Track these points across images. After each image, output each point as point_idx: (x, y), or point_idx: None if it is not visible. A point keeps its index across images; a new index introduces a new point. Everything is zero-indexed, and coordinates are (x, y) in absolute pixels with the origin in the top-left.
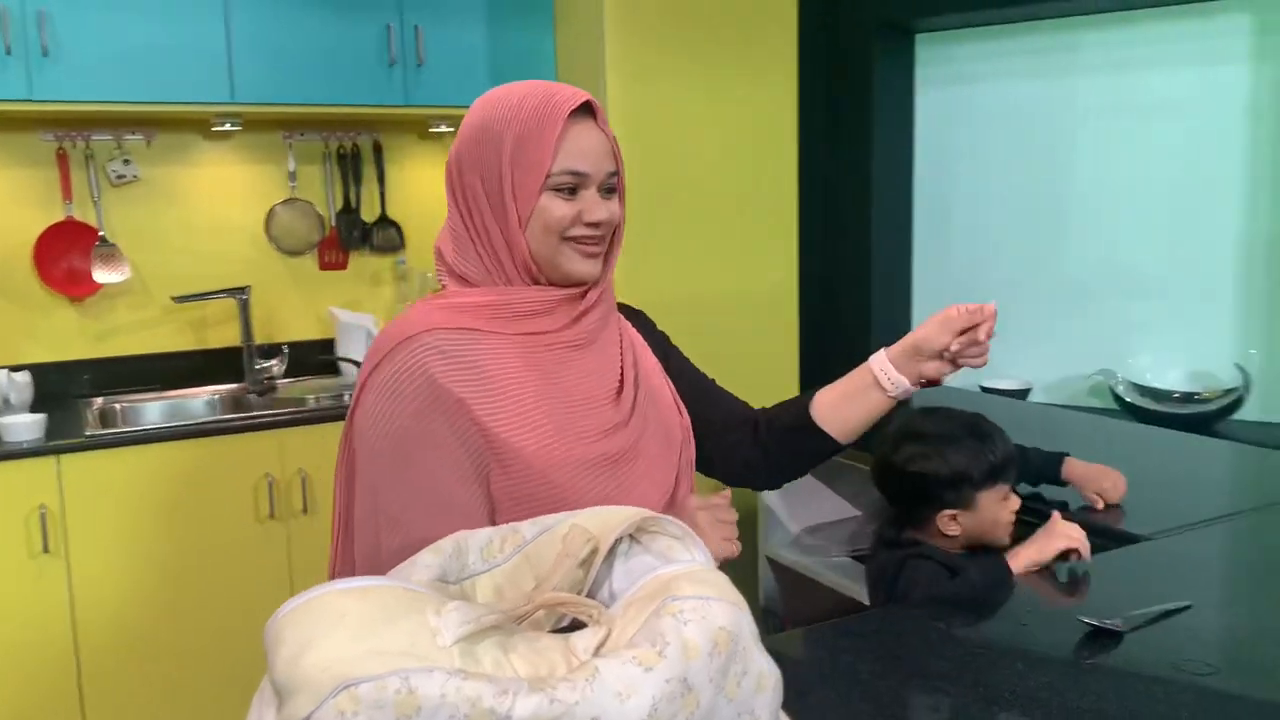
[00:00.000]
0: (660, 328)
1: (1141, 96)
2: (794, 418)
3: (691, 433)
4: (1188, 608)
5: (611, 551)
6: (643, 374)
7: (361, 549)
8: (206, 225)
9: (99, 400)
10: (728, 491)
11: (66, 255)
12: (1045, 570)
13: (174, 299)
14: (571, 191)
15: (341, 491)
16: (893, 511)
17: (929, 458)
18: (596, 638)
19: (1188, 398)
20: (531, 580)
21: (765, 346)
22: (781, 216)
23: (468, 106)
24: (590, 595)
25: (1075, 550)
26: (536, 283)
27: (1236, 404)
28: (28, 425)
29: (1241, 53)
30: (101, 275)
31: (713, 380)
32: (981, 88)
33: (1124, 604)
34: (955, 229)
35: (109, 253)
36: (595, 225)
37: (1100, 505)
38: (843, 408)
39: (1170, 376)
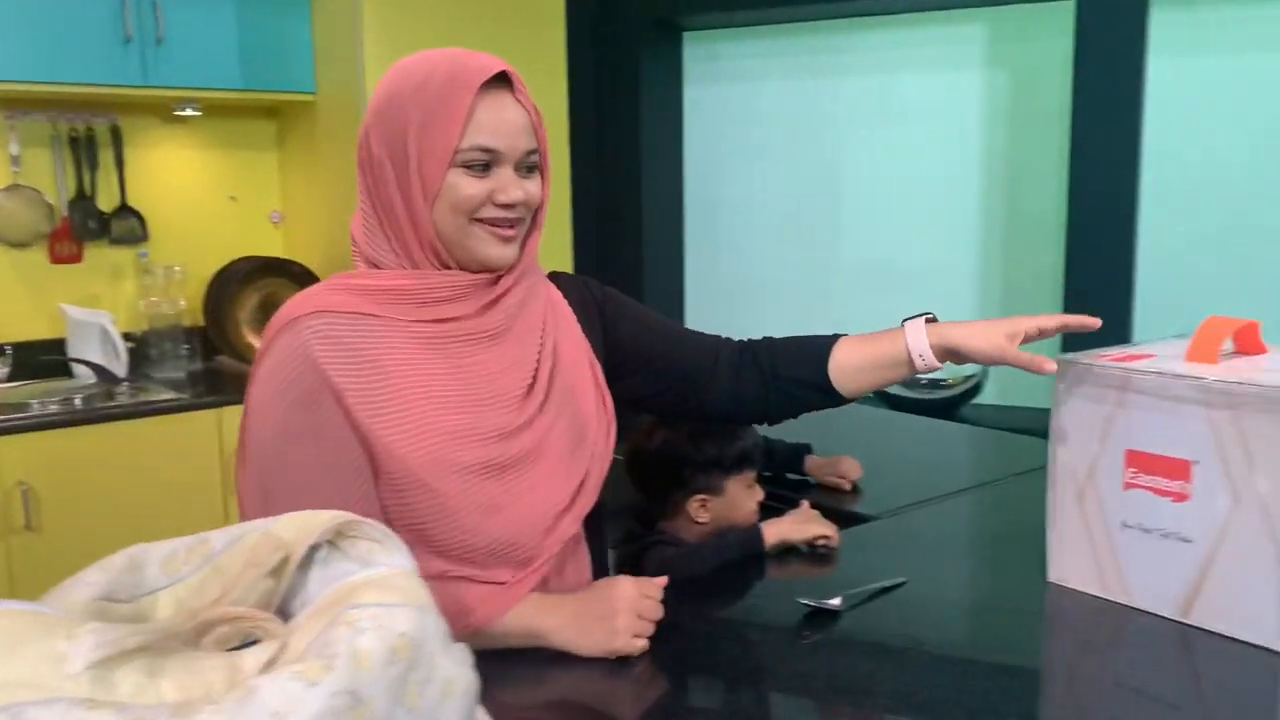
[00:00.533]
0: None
1: (894, 99)
2: (810, 372)
3: (613, 424)
4: (903, 584)
5: (311, 559)
6: (561, 367)
7: None
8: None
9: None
10: (664, 580)
11: None
12: (790, 551)
13: None
14: (483, 169)
15: (240, 487)
16: (643, 503)
17: (681, 443)
18: (267, 653)
19: (934, 384)
20: (220, 594)
21: None
22: (553, 211)
23: (215, 89)
24: (284, 606)
25: (826, 537)
26: (446, 267)
27: (976, 389)
28: None
29: (976, 59)
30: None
31: (685, 328)
32: (751, 86)
33: (852, 582)
34: (726, 226)
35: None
36: (509, 206)
37: (846, 486)
38: (866, 375)
39: None
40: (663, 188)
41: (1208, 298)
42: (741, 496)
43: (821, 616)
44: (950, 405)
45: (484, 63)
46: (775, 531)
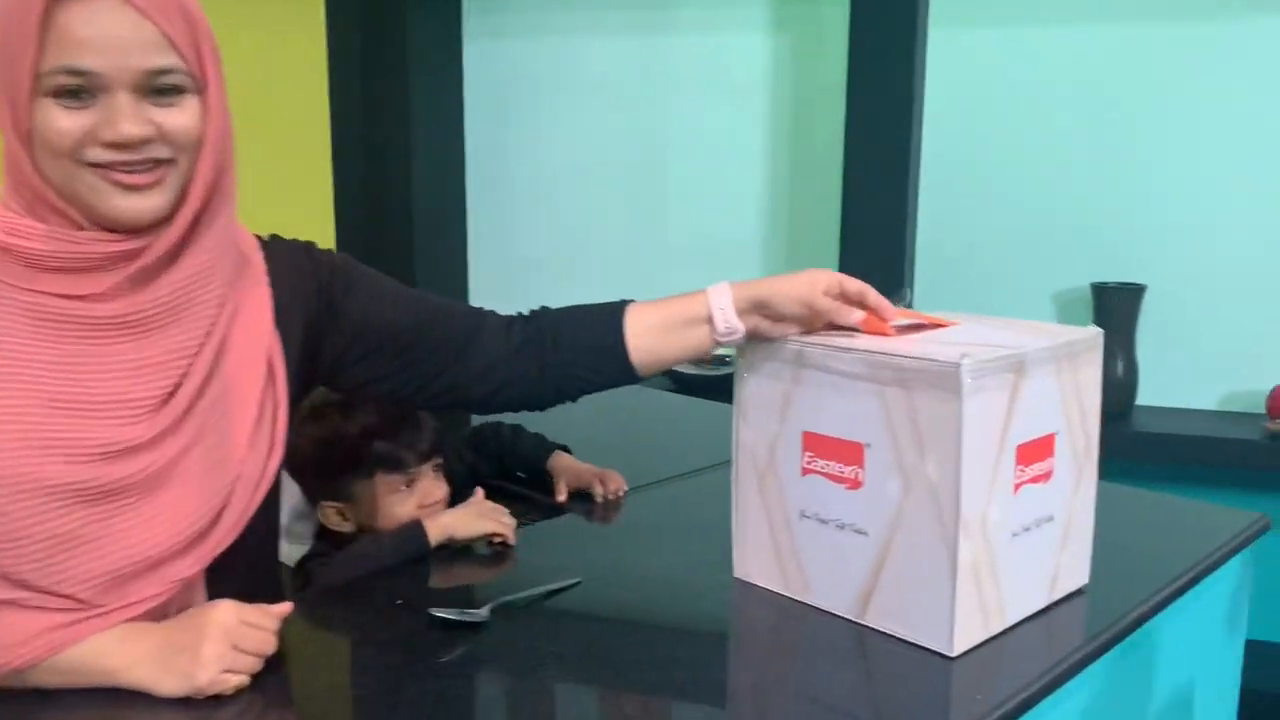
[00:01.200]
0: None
1: (678, 61)
2: (598, 334)
3: (279, 442)
4: (577, 584)
5: None
6: (222, 371)
7: None
8: None
9: None
10: (284, 607)
11: None
12: (466, 550)
13: None
14: (74, 96)
15: None
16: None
17: (305, 448)
18: None
19: (719, 360)
20: None
21: None
22: (312, 164)
23: None
24: None
25: (499, 535)
26: (81, 228)
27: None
28: None
29: (760, 22)
30: None
31: (442, 299)
32: (545, 43)
33: (523, 583)
34: (521, 196)
35: None
36: (123, 145)
37: (598, 499)
38: (658, 338)
39: None
40: (438, 155)
41: (995, 279)
42: (388, 501)
43: (466, 629)
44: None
45: None
46: (439, 527)
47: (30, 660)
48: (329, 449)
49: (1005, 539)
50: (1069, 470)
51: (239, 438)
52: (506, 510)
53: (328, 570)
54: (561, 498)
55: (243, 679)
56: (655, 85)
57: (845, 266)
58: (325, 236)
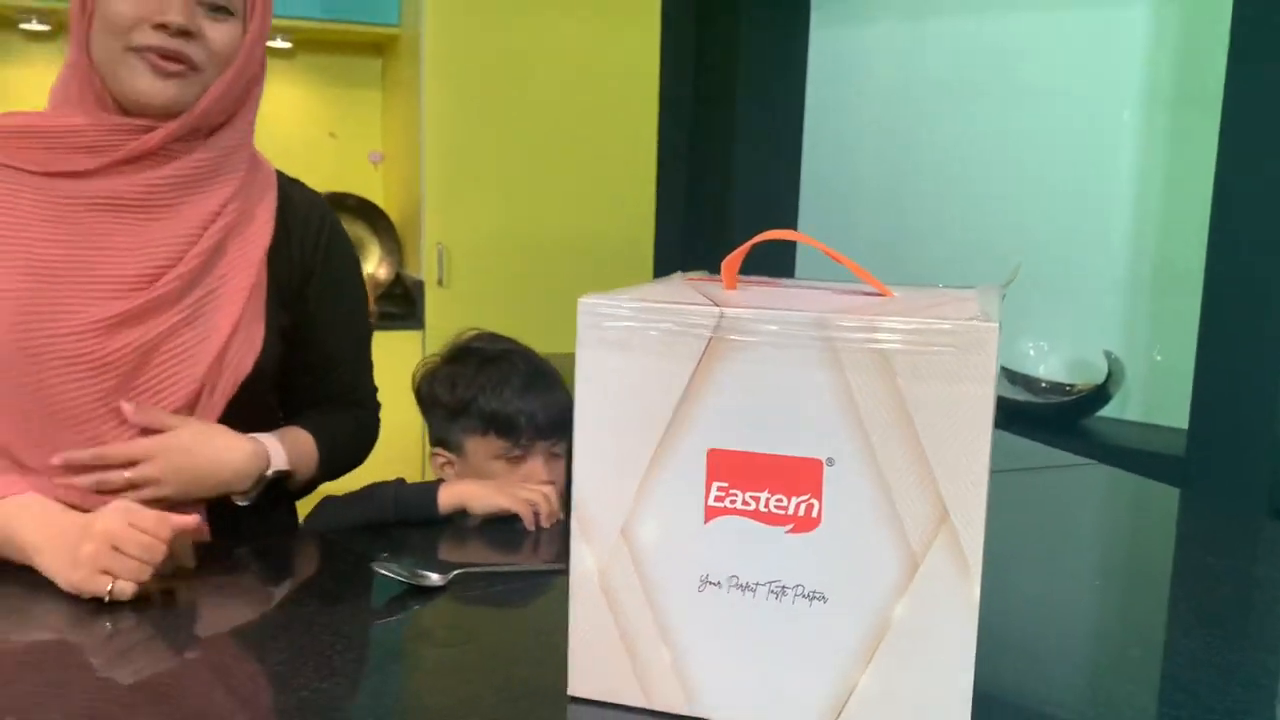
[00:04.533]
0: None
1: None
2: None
3: (244, 359)
4: (561, 571)
5: None
6: (217, 275)
7: None
8: None
9: None
10: (183, 519)
11: None
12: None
13: None
14: None
15: None
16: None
17: (428, 374)
18: None
19: (1056, 388)
20: None
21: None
22: (638, 156)
23: (300, 18)
24: None
25: (519, 515)
26: (107, 111)
27: (1102, 398)
28: None
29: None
30: None
31: (336, 364)
32: (892, 30)
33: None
34: (855, 194)
35: None
36: (167, 29)
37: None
38: None
39: (1048, 364)
40: (771, 150)
41: None
42: (491, 467)
43: (421, 595)
44: (1071, 413)
45: None
46: (453, 495)
47: None
48: (453, 391)
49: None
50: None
51: (223, 329)
52: (545, 490)
53: (333, 507)
54: None
55: (122, 585)
56: (1008, 72)
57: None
58: (645, 229)
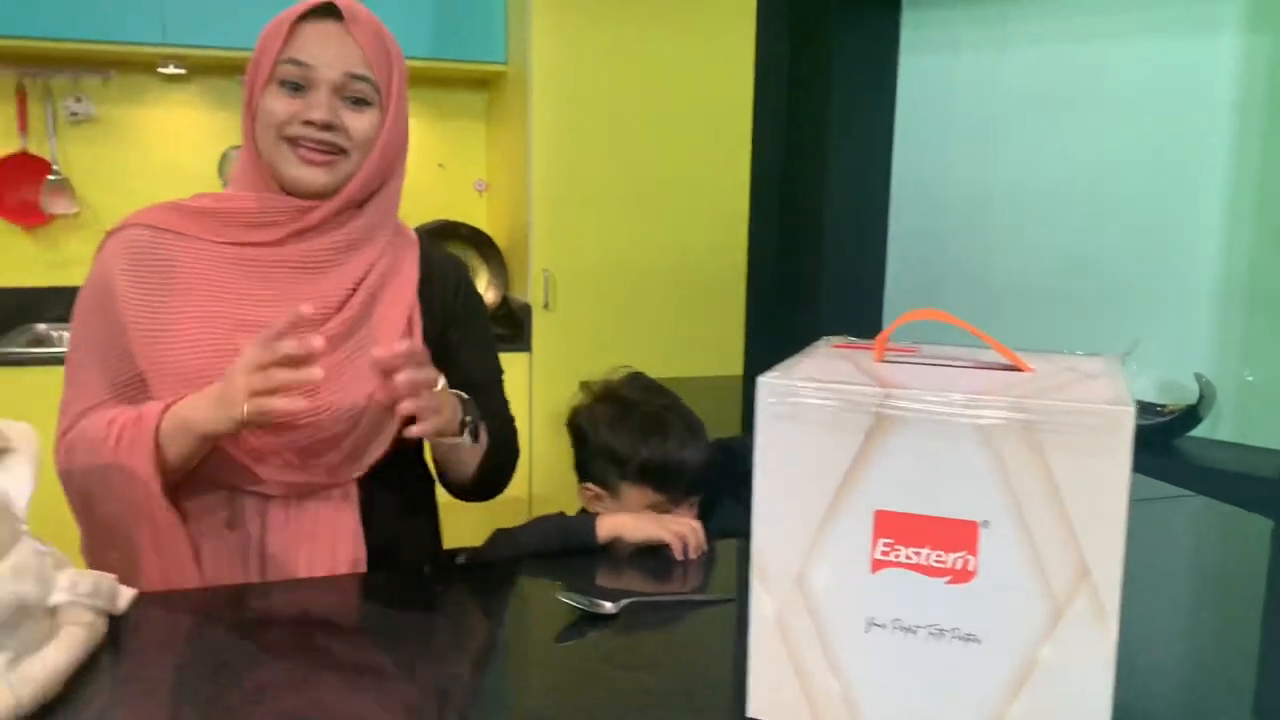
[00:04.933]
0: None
1: (1129, 71)
2: None
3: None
4: (730, 600)
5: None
6: (373, 320)
7: None
8: (159, 165)
9: (41, 325)
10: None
11: (19, 187)
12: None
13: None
14: (295, 88)
15: None
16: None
17: (601, 421)
18: None
19: (1148, 408)
20: None
21: (708, 314)
22: (733, 185)
23: (412, 58)
24: None
25: (670, 546)
26: (274, 192)
27: (1192, 419)
28: None
29: (1233, 20)
30: (50, 207)
31: (492, 385)
32: (978, 56)
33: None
34: (943, 215)
35: (59, 186)
36: (313, 125)
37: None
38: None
39: (1139, 385)
40: (861, 166)
41: None
42: (637, 509)
43: (595, 622)
44: (1161, 434)
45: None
46: (611, 525)
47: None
48: (615, 439)
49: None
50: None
51: (365, 383)
52: (693, 523)
53: (505, 537)
54: None
55: (278, 403)
56: (1101, 98)
57: None
58: (739, 252)
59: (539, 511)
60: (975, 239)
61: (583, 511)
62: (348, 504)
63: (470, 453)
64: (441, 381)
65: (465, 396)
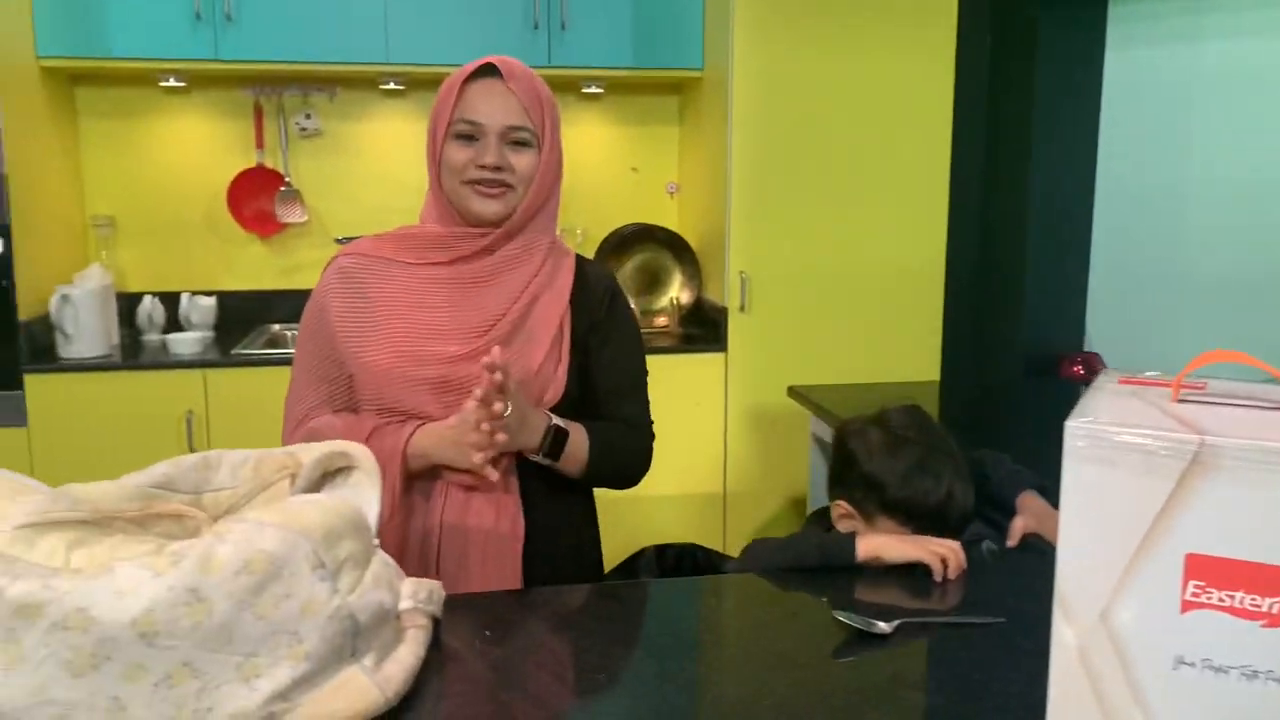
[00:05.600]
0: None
1: None
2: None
3: (556, 386)
4: (1000, 622)
5: (331, 480)
6: (530, 324)
7: None
8: (378, 175)
9: (276, 326)
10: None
11: (256, 198)
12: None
13: (336, 240)
14: (468, 140)
15: None
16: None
17: (872, 446)
18: (184, 545)
19: None
20: (263, 500)
21: (903, 320)
22: (932, 187)
23: (612, 68)
24: None
25: (929, 567)
26: (457, 224)
27: None
28: (190, 342)
29: None
30: (283, 216)
31: (615, 394)
32: (1176, 49)
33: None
34: (1143, 214)
35: (291, 197)
36: (486, 168)
37: (1015, 540)
38: None
39: None
40: (1064, 168)
41: None
42: (895, 535)
43: (869, 640)
44: None
45: (480, 61)
46: (871, 547)
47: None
48: (886, 470)
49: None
50: None
51: (534, 368)
52: (953, 544)
53: (763, 550)
54: (1011, 542)
55: (498, 439)
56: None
57: None
58: (936, 258)
59: (735, 508)
60: (1175, 236)
61: (826, 525)
62: (508, 488)
63: (560, 467)
64: (510, 407)
65: (553, 420)
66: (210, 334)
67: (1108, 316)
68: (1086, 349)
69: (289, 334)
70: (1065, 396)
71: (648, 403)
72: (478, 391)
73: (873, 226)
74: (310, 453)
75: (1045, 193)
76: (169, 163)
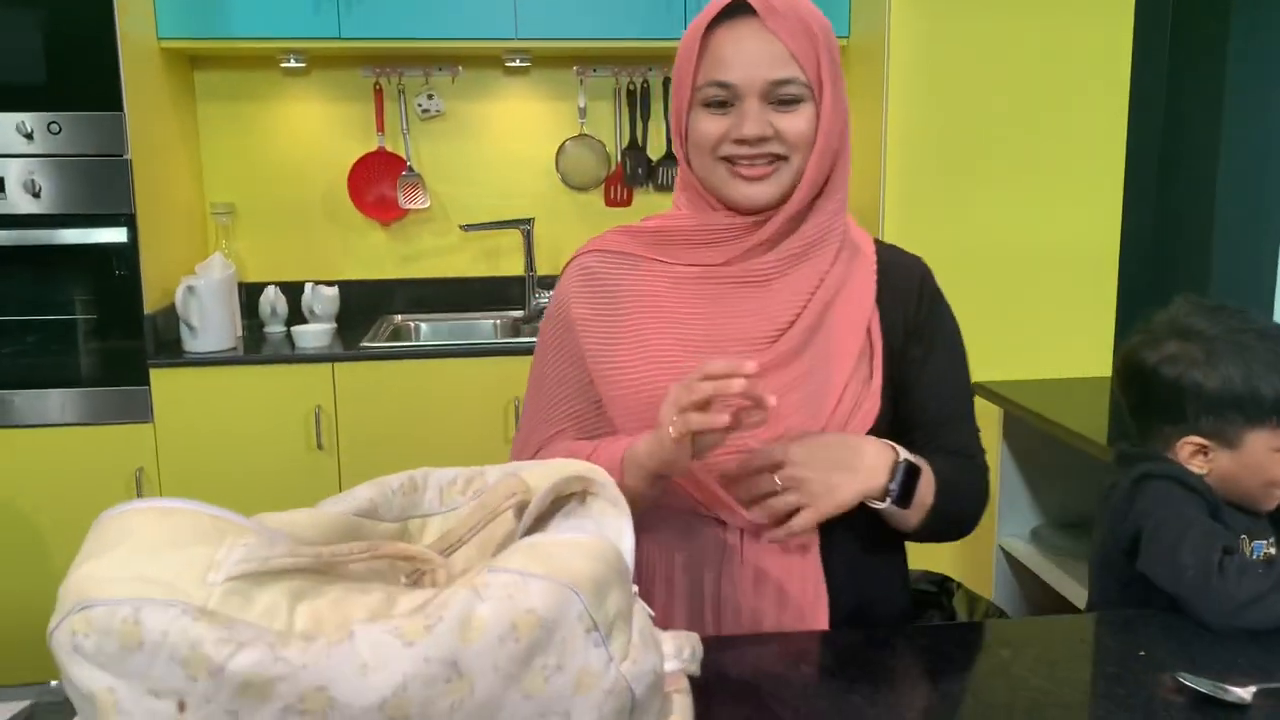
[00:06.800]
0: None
1: None
2: None
3: (869, 413)
4: None
5: (560, 508)
6: (827, 333)
7: None
8: (501, 158)
9: (398, 316)
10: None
11: (377, 183)
12: None
13: (461, 228)
14: (721, 105)
15: None
16: (1134, 428)
17: (1193, 360)
18: (425, 598)
19: None
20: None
21: (1074, 309)
22: (1105, 164)
23: None
24: None
25: None
26: (715, 210)
27: None
28: (315, 334)
29: None
30: (406, 202)
31: (942, 418)
32: None
33: None
34: None
35: (413, 182)
36: (746, 142)
37: None
38: None
39: None
40: (1252, 152)
41: None
42: (1265, 459)
43: (1220, 710)
44: None
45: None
46: None
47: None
48: (1246, 377)
49: None
50: None
51: (835, 388)
52: None
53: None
54: None
55: (698, 416)
56: None
57: None
58: (1110, 237)
59: None
60: None
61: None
62: (807, 549)
63: (901, 515)
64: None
65: (901, 453)
66: (332, 325)
67: None
68: None
69: (412, 325)
70: None
71: (978, 429)
72: (712, 365)
73: (1040, 207)
74: (539, 475)
75: (1234, 173)
76: (288, 148)
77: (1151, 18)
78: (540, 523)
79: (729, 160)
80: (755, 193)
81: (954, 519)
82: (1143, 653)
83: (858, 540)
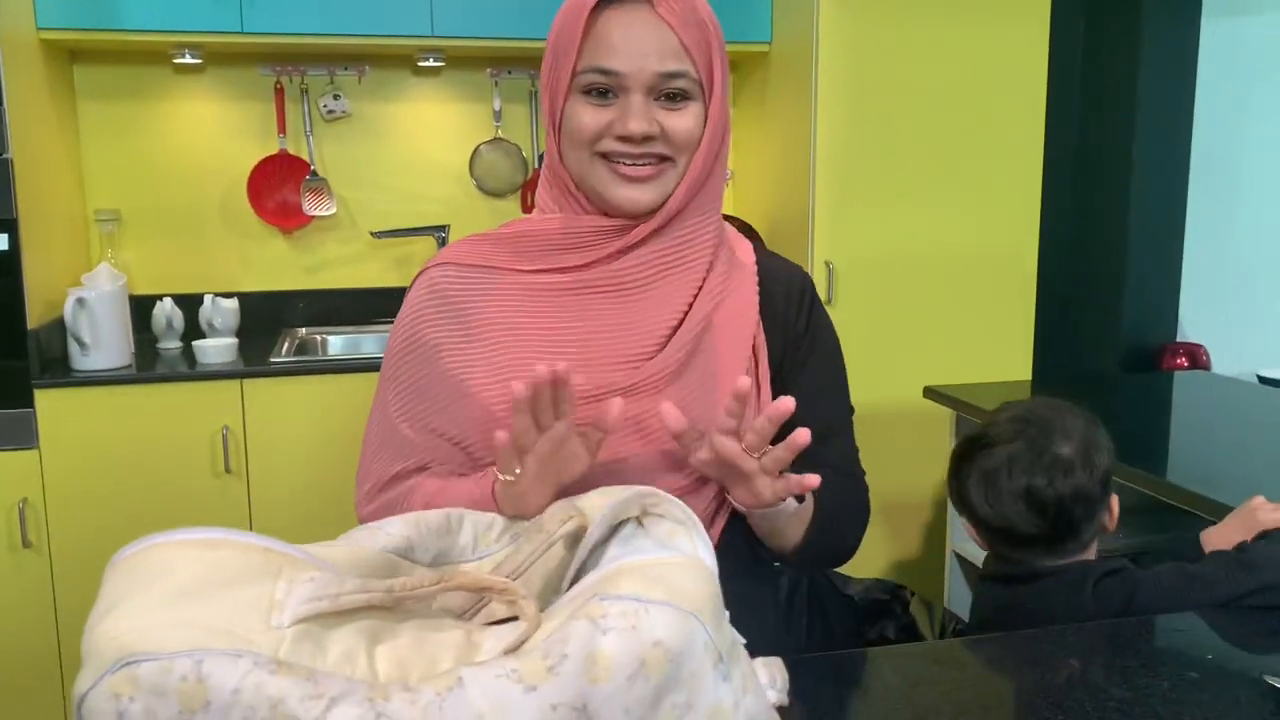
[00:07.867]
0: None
1: None
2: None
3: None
4: None
5: (615, 534)
6: (710, 344)
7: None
8: (411, 162)
9: (302, 330)
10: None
11: (279, 188)
12: None
13: (372, 234)
14: (602, 95)
15: None
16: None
17: (1086, 482)
18: (515, 634)
19: None
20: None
21: (994, 312)
22: (1023, 165)
23: None
24: (575, 583)
25: None
26: (587, 211)
27: None
28: (219, 349)
29: None
30: (310, 208)
31: (835, 430)
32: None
33: None
34: (1244, 191)
35: (318, 186)
36: (630, 139)
37: None
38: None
39: None
40: (1161, 145)
41: None
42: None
43: None
44: None
45: None
46: (1214, 541)
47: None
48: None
49: None
50: None
51: (719, 408)
52: None
53: (1144, 582)
54: None
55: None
56: None
57: None
58: (1029, 239)
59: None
60: (1274, 219)
61: None
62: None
63: (791, 521)
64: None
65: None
66: (234, 340)
67: (1200, 306)
68: (1179, 339)
69: (318, 338)
70: (1165, 391)
71: (857, 448)
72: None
73: (961, 207)
74: (592, 501)
75: (1146, 177)
76: (180, 151)
77: (1066, 26)
78: (595, 553)
79: (606, 157)
80: (637, 195)
81: (834, 536)
82: (1210, 656)
83: (737, 564)
